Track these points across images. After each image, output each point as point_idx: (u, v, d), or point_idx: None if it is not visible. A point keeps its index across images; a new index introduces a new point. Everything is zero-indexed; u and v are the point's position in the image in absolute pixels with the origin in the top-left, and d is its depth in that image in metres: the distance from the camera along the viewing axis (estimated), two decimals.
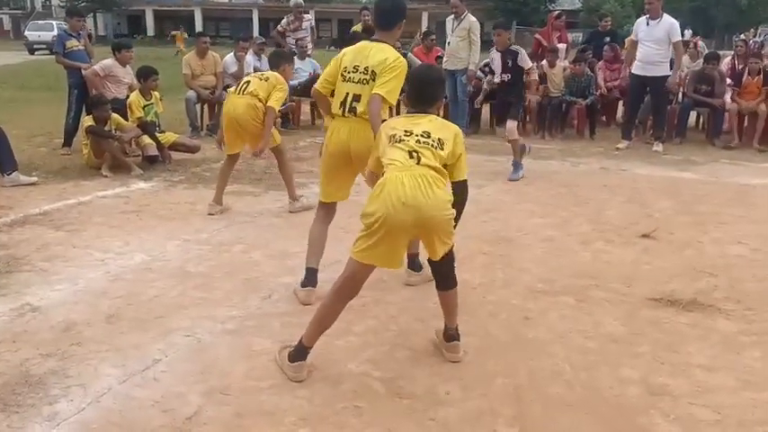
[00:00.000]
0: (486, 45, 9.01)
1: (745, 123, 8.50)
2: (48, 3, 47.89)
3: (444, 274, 2.83)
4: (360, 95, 3.31)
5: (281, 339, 3.04)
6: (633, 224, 4.90)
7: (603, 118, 9.65)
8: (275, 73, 4.96)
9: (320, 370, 2.80)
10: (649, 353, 2.99)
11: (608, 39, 9.88)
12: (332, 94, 3.47)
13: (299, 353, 2.74)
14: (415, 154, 2.61)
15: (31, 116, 10.13)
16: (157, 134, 6.82)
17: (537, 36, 10.32)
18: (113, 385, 2.64)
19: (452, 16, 8.67)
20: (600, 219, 5.08)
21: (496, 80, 6.47)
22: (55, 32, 28.12)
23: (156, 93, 6.95)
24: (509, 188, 5.92)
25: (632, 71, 7.96)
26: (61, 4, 41.97)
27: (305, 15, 9.91)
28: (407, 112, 2.89)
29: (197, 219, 4.94)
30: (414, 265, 3.70)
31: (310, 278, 3.52)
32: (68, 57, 7.34)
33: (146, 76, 6.89)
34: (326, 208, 3.62)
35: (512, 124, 6.29)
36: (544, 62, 9.06)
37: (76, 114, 7.30)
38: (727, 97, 8.48)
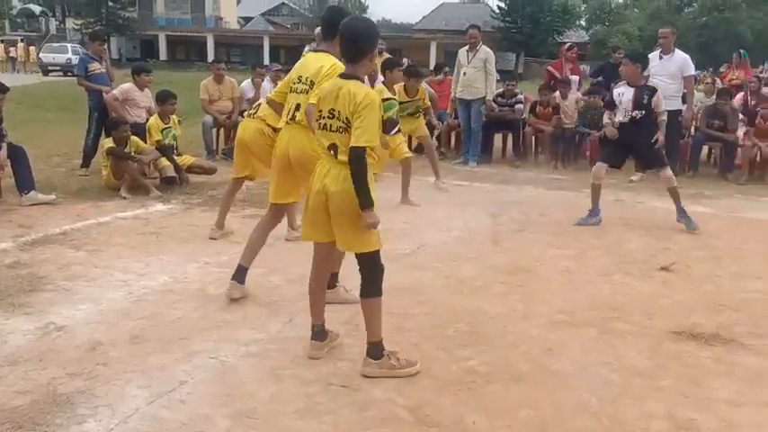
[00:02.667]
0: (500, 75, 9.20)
1: (758, 159, 8.51)
2: (62, 26, 48.61)
3: (366, 278, 2.97)
4: (299, 104, 3.57)
5: (304, 363, 3.06)
6: (651, 257, 4.90)
7: None
8: None
9: (345, 395, 2.80)
10: (674, 387, 2.98)
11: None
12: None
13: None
14: (333, 149, 2.86)
15: (46, 136, 10.23)
16: (175, 156, 6.89)
17: (549, 68, 10.42)
18: (141, 406, 2.64)
19: (467, 47, 8.78)
20: (618, 251, 5.09)
21: (623, 119, 5.73)
22: (69, 55, 28.70)
23: (174, 116, 7.03)
24: (523, 218, 5.94)
25: None
26: (75, 27, 42.63)
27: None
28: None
29: (216, 241, 4.96)
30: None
31: (238, 274, 3.79)
32: (90, 79, 7.45)
33: (164, 99, 6.99)
34: (274, 210, 3.88)
35: (668, 171, 5.80)
36: (557, 93, 9.16)
37: (96, 136, 7.38)
38: (740, 132, 8.52)
